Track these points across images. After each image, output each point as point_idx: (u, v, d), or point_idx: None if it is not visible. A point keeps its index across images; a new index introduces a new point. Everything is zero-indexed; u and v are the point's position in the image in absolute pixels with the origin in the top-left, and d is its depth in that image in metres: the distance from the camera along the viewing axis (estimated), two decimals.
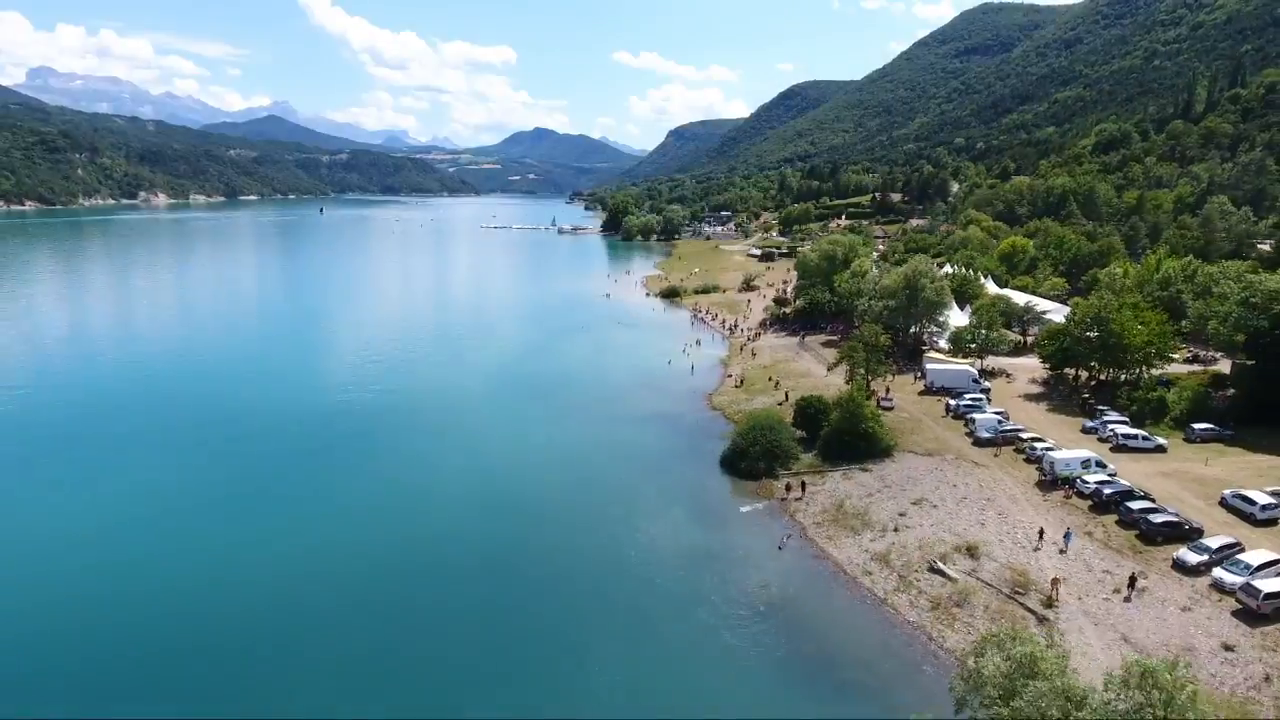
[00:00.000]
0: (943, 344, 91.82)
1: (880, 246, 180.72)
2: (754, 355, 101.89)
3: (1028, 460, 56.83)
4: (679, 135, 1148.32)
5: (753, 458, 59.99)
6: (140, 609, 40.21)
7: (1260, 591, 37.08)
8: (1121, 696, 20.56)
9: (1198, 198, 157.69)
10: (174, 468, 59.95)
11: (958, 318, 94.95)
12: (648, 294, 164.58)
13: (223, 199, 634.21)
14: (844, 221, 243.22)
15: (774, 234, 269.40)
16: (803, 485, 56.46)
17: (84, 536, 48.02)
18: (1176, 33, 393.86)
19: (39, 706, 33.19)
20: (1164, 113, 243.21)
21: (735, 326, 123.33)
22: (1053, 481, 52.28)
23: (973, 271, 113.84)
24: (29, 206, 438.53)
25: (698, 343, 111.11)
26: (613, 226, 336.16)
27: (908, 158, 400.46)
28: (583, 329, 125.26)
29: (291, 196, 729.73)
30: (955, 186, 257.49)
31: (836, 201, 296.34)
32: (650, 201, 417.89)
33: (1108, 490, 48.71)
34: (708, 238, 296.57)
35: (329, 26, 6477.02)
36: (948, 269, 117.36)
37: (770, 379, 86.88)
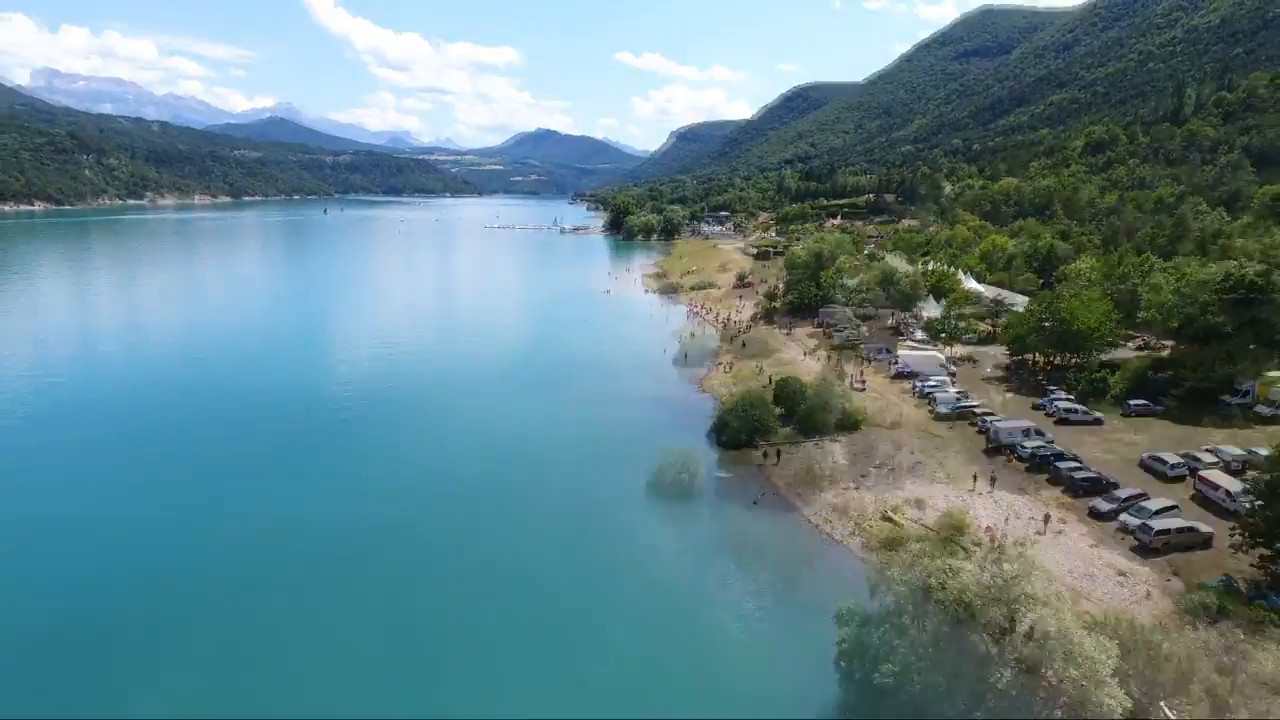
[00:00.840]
0: (919, 334, 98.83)
1: (871, 245, 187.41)
2: (744, 345, 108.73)
3: (979, 431, 63.80)
4: (681, 136, 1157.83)
5: (735, 430, 66.96)
6: (175, 569, 44.92)
7: (1152, 529, 44.04)
8: (983, 567, 27.57)
9: (1177, 199, 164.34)
10: (206, 443, 65.78)
11: (934, 310, 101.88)
12: (647, 290, 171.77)
13: (228, 199, 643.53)
14: (838, 221, 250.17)
15: (771, 233, 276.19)
16: (778, 453, 63.45)
17: (114, 515, 51.85)
18: (1171, 35, 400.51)
19: (76, 661, 37.31)
20: (1154, 115, 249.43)
21: (728, 319, 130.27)
22: (997, 448, 59.29)
23: (951, 268, 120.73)
24: (38, 207, 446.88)
25: (692, 334, 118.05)
26: (615, 226, 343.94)
27: (904, 159, 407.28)
28: (584, 322, 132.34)
29: (296, 197, 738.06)
30: (948, 187, 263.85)
31: (832, 202, 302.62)
32: (652, 202, 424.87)
33: (1042, 453, 55.69)
34: (706, 237, 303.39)
35: (332, 28, 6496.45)
36: (930, 265, 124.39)
37: (757, 366, 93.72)
